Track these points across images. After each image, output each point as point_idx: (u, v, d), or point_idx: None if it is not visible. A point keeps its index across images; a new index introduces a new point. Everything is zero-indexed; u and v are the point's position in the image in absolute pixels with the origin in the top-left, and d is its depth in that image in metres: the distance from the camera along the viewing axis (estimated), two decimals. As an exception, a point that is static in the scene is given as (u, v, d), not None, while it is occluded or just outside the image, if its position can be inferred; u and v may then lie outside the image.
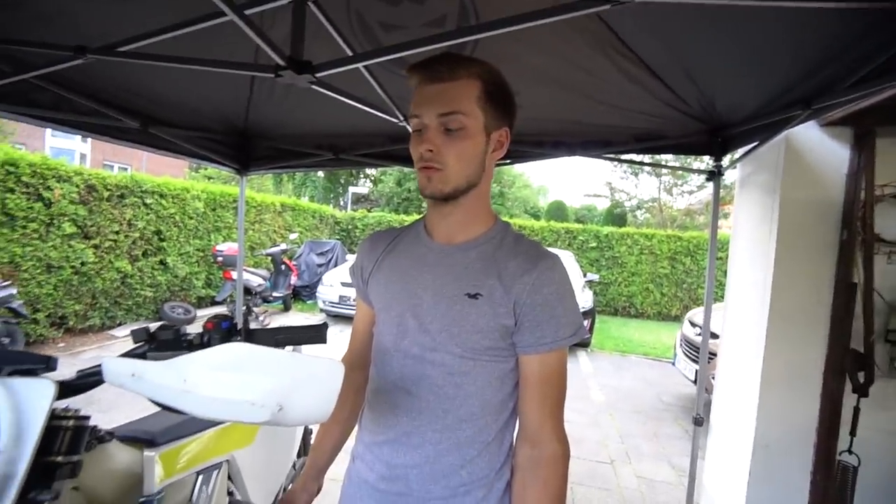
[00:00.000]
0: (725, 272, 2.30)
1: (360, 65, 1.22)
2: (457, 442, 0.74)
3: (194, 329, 0.79)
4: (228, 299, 6.40)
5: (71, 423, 0.66)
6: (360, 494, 0.81)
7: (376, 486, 0.78)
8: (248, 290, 6.70)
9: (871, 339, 1.67)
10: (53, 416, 0.64)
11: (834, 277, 1.73)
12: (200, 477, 0.96)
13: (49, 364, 0.66)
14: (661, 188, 17.84)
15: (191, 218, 6.75)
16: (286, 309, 7.55)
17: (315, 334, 0.74)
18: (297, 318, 7.32)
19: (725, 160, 2.14)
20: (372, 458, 0.79)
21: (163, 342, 0.73)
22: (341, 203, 18.35)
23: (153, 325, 0.78)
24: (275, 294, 7.12)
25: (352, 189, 17.61)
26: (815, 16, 1.13)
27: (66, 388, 0.66)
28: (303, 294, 8.05)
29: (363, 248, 0.89)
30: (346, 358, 0.97)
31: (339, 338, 5.64)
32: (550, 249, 0.79)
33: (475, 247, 0.77)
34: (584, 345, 6.56)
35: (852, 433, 1.68)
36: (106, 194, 5.47)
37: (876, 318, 1.70)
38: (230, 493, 1.13)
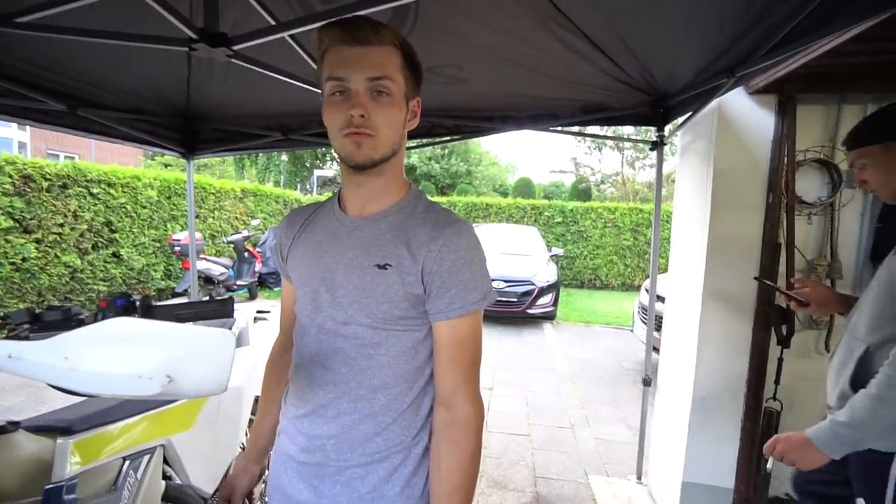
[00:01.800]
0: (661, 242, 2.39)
1: (283, 34, 1.17)
2: (371, 411, 0.75)
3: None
4: (189, 290, 6.21)
5: None
6: (284, 468, 0.81)
7: (297, 457, 0.79)
8: (210, 280, 6.52)
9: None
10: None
11: (761, 238, 1.84)
12: (127, 462, 0.95)
13: None
14: (623, 162, 18.25)
15: (144, 207, 6.46)
16: (252, 297, 7.40)
17: (220, 308, 0.73)
18: (263, 305, 7.20)
19: (667, 130, 2.21)
20: (294, 431, 0.80)
21: (49, 323, 0.70)
22: (307, 187, 17.89)
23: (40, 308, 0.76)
24: (238, 283, 6.95)
25: (317, 172, 17.16)
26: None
27: None
28: (269, 281, 7.89)
29: (282, 226, 0.88)
30: (278, 340, 0.96)
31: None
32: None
33: (385, 217, 0.77)
34: (549, 317, 6.74)
35: (776, 382, 1.81)
36: (45, 185, 5.14)
37: (797, 275, 1.83)
38: (168, 478, 1.12)
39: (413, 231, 0.75)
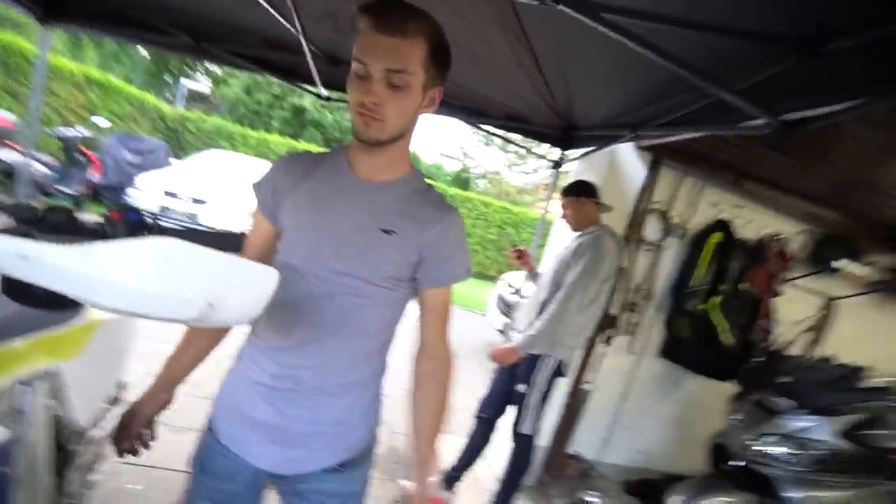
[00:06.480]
0: (541, 246, 2.80)
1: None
2: (349, 350, 0.85)
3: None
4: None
5: None
6: (243, 390, 0.86)
7: (265, 383, 0.85)
8: (8, 175, 5.14)
9: (622, 306, 2.35)
10: None
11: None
12: (21, 386, 0.82)
13: None
14: (505, 164, 19.72)
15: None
16: (77, 208, 6.06)
17: (231, 243, 0.70)
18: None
19: (569, 154, 2.59)
20: (265, 360, 0.85)
21: (53, 225, 0.60)
22: (168, 96, 14.96)
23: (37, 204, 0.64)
24: (61, 188, 5.62)
25: (186, 83, 14.43)
26: (649, 63, 1.44)
27: None
28: (105, 195, 6.52)
29: (278, 168, 0.89)
30: None
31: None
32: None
33: (393, 188, 0.85)
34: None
35: (595, 370, 2.36)
36: None
37: (627, 295, 2.39)
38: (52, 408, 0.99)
39: (419, 208, 0.85)
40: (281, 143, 9.99)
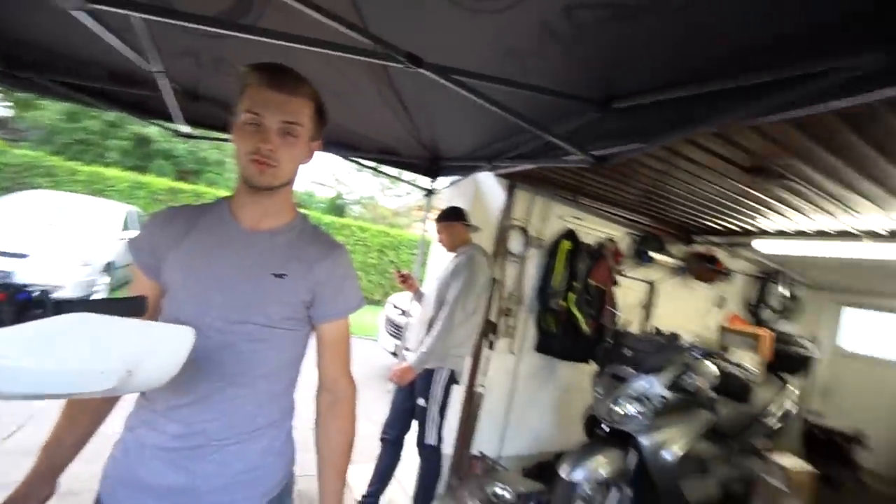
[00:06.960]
0: (423, 264, 3.03)
1: None
2: (254, 395, 0.85)
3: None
4: None
5: None
6: (140, 459, 0.81)
7: (166, 445, 0.81)
8: None
9: (499, 312, 2.66)
10: None
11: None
12: None
13: None
14: (379, 188, 19.98)
15: None
16: None
17: (133, 307, 0.66)
18: None
19: (438, 183, 2.87)
20: (164, 422, 0.82)
21: None
22: None
23: None
24: None
25: None
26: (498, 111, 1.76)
27: None
28: None
29: (156, 223, 0.88)
30: None
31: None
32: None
33: (280, 234, 0.89)
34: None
35: (484, 373, 2.62)
36: None
37: (502, 302, 2.72)
38: None
39: (305, 248, 0.90)
40: (122, 177, 8.68)
